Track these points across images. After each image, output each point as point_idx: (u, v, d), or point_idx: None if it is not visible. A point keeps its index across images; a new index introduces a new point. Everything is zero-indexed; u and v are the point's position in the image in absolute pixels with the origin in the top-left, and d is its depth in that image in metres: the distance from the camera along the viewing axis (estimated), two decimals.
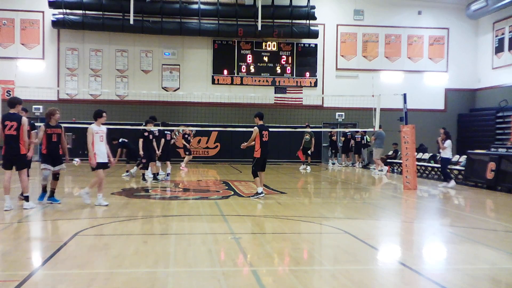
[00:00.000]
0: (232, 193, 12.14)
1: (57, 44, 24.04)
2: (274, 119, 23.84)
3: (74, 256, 5.88)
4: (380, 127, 19.17)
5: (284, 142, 24.11)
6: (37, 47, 23.91)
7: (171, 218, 8.50)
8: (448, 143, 14.33)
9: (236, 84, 24.91)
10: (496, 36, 24.99)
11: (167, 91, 24.34)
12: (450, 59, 26.54)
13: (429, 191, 13.93)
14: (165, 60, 24.73)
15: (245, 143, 11.59)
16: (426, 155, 19.27)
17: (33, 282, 4.91)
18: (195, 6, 24.07)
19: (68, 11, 23.23)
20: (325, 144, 24.22)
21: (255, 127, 11.32)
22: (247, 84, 24.96)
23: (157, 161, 15.06)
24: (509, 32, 24.03)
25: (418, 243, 7.48)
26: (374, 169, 21.28)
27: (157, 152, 14.66)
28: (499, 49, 24.76)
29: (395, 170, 20.06)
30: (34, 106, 23.00)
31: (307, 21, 24.46)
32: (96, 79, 24.38)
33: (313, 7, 24.39)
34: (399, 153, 18.92)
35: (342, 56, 25.88)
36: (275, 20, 24.34)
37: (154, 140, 14.38)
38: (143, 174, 14.55)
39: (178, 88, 24.60)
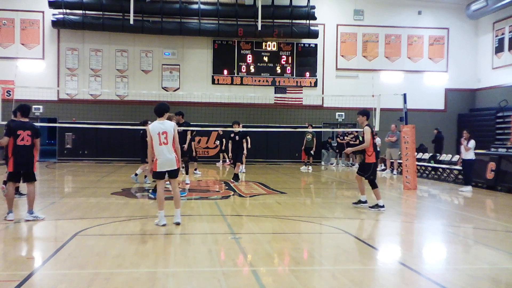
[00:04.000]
0: (232, 193, 12.14)
1: (57, 44, 24.01)
2: (274, 119, 23.92)
3: (74, 256, 5.88)
4: (396, 126, 19.25)
5: (284, 142, 24.16)
6: (37, 47, 23.89)
7: (171, 218, 8.49)
8: (472, 143, 13.54)
9: (236, 84, 24.89)
10: (496, 36, 24.98)
11: (167, 91, 24.33)
12: (450, 59, 26.52)
13: (429, 191, 13.93)
14: (165, 60, 24.71)
15: (351, 149, 9.56)
16: (426, 155, 19.27)
17: (33, 282, 4.91)
18: (195, 6, 24.05)
19: (68, 11, 23.20)
20: (334, 144, 24.37)
21: (366, 127, 9.23)
22: (247, 84, 24.93)
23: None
24: (509, 32, 24.02)
25: (418, 243, 7.48)
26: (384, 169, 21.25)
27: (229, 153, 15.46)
28: (499, 49, 24.74)
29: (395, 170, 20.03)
30: (34, 106, 22.98)
31: (307, 21, 24.44)
32: (96, 79, 24.37)
33: (313, 7, 24.36)
34: (399, 153, 18.90)
35: (342, 56, 25.87)
36: (275, 20, 24.31)
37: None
38: (236, 174, 14.89)
39: (178, 88, 24.59)
